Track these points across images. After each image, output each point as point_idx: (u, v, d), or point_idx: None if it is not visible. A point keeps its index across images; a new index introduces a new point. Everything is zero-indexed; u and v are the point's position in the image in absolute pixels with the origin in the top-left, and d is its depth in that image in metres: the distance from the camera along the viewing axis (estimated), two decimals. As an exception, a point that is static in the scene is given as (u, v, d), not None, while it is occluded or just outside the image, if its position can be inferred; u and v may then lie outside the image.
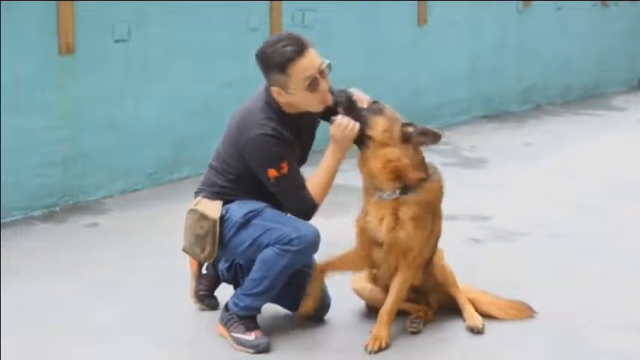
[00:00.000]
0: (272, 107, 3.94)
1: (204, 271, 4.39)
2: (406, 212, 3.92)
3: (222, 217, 3.99)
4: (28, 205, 5.93)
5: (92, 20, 6.15)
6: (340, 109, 3.94)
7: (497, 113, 9.85)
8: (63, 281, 4.79)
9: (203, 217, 4.01)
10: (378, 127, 3.90)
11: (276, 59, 3.83)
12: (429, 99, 9.01)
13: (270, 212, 3.98)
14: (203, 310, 4.37)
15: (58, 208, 6.07)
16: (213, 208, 4.01)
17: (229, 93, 6.95)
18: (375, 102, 3.99)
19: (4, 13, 5.67)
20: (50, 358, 3.94)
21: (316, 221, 4.00)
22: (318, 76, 3.86)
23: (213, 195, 4.06)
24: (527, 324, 4.27)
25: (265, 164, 3.89)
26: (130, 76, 6.46)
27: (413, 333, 4.15)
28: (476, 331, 4.17)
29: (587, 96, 11.17)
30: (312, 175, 4.02)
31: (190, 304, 4.39)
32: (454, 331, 4.22)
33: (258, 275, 3.93)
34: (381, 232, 3.96)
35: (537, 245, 5.47)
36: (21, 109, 5.84)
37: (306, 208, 3.98)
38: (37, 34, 5.89)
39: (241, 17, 7.15)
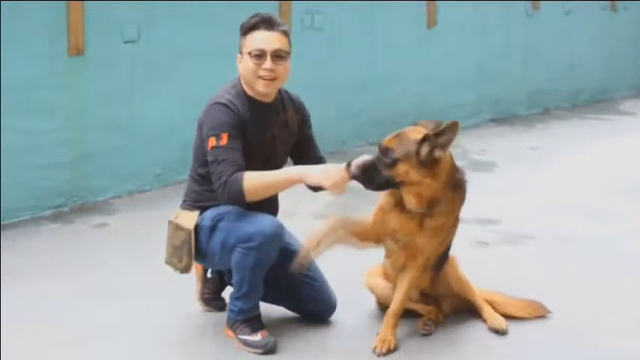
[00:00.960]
0: (237, 89, 4.00)
1: (209, 275, 4.40)
2: (431, 223, 3.91)
3: (197, 226, 3.99)
4: (37, 205, 5.95)
5: (101, 21, 6.17)
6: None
7: (505, 116, 9.85)
8: (71, 281, 4.80)
9: (178, 228, 4.02)
10: (400, 173, 3.75)
11: (245, 24, 4.02)
12: (437, 102, 9.02)
13: (235, 212, 3.92)
14: (209, 311, 4.38)
15: (67, 209, 6.09)
16: (188, 219, 4.02)
17: (238, 95, 6.94)
18: (383, 151, 3.78)
19: (14, 15, 5.69)
20: (56, 357, 3.94)
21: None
22: (269, 54, 3.94)
23: (194, 203, 4.07)
24: (534, 326, 4.27)
25: (208, 131, 3.87)
26: (139, 77, 6.48)
27: (425, 335, 4.15)
28: (501, 332, 4.18)
29: (595, 100, 11.16)
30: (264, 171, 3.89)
31: (198, 305, 4.41)
32: (463, 333, 4.22)
33: (237, 278, 3.95)
34: (401, 233, 3.95)
35: (545, 248, 5.47)
36: (30, 111, 5.86)
37: (229, 186, 3.76)
38: (47, 35, 5.90)
39: (250, 19, 7.15)
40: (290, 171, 3.91)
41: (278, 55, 3.96)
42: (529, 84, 10.20)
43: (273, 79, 3.96)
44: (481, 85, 9.57)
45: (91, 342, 4.07)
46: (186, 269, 4.08)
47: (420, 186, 3.79)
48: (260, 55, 3.94)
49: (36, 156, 5.93)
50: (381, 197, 4.01)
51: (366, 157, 3.82)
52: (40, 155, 5.95)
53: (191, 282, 4.38)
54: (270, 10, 7.23)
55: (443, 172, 3.81)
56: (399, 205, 3.92)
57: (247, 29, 4.00)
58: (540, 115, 10.20)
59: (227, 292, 4.38)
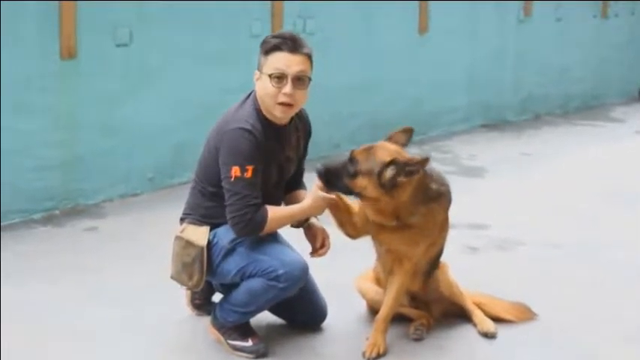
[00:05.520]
0: (257, 113, 3.87)
1: None
2: (406, 233, 3.91)
3: (209, 243, 3.93)
4: (28, 209, 5.94)
5: (94, 24, 6.16)
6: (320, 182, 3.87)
7: (496, 122, 9.87)
8: (61, 284, 4.79)
9: (189, 244, 3.94)
10: (358, 186, 3.78)
11: (267, 43, 3.85)
12: (429, 107, 9.03)
13: (256, 239, 3.89)
14: (201, 315, 4.38)
15: (57, 212, 6.08)
16: (199, 235, 3.94)
17: (230, 99, 6.78)
18: (350, 160, 3.81)
19: (5, 16, 5.68)
20: (48, 360, 3.95)
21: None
22: (290, 77, 3.80)
23: (200, 219, 3.99)
24: (524, 332, 4.29)
25: (232, 159, 3.75)
26: (131, 80, 6.47)
27: (415, 340, 4.16)
28: (490, 335, 4.20)
29: (586, 107, 11.19)
30: (278, 207, 3.94)
31: (188, 310, 4.41)
32: (453, 338, 4.24)
33: (244, 298, 3.92)
34: (378, 239, 4.01)
35: (535, 254, 5.48)
36: (22, 113, 5.84)
37: (248, 222, 3.77)
38: (39, 37, 5.89)
39: (243, 23, 7.17)
40: (297, 209, 3.93)
41: (299, 79, 3.82)
42: (520, 90, 10.23)
43: (290, 106, 3.84)
44: (472, 91, 9.59)
45: (82, 346, 4.06)
46: (196, 286, 4.00)
47: (377, 202, 3.82)
48: (280, 78, 3.78)
49: (27, 158, 5.91)
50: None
51: (335, 160, 3.88)
52: (32, 158, 5.94)
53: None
54: (262, 13, 7.29)
55: (404, 193, 3.79)
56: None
57: (269, 49, 3.81)
58: (531, 121, 10.22)
59: (216, 296, 4.38)
